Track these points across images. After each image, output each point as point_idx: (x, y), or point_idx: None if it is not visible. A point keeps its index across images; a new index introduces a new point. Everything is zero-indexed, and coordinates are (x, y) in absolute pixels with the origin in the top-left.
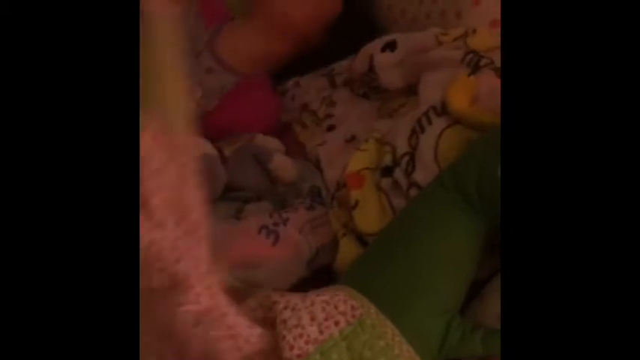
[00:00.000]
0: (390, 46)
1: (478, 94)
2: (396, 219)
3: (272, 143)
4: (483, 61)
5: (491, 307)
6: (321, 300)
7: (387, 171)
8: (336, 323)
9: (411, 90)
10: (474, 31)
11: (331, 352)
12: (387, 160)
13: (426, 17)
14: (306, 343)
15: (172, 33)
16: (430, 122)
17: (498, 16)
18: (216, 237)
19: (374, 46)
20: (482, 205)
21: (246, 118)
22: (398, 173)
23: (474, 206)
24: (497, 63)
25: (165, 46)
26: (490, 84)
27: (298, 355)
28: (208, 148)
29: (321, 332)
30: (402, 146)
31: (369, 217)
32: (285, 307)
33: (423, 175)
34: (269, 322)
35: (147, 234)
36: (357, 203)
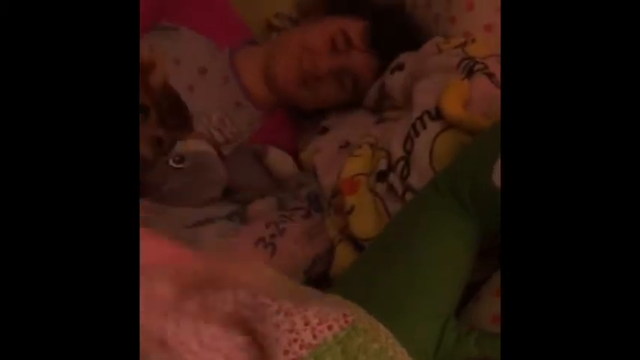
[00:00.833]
0: (399, 67)
1: (471, 99)
2: (391, 223)
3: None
4: (477, 67)
5: (486, 310)
6: (313, 306)
7: (382, 176)
8: (330, 328)
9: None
10: (474, 40)
11: (325, 357)
12: (382, 164)
13: (421, 22)
14: (301, 347)
15: None
16: (425, 127)
17: (492, 20)
18: (213, 252)
19: (384, 74)
20: (477, 209)
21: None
22: (393, 178)
23: (469, 210)
24: (491, 68)
25: None
26: (482, 88)
27: None
28: (206, 146)
29: (314, 337)
30: (397, 151)
31: (365, 222)
32: (278, 312)
33: (418, 179)
34: (238, 319)
35: None
36: (352, 208)
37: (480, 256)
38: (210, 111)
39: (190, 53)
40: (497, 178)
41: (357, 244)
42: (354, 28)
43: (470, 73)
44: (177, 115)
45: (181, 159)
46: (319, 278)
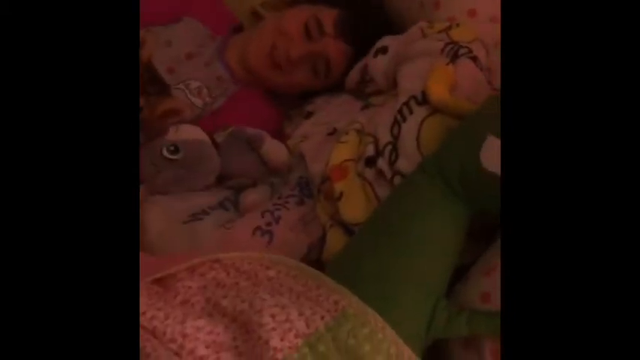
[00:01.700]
0: (382, 50)
1: (456, 83)
2: (380, 207)
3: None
4: (461, 51)
5: (475, 289)
6: (306, 298)
7: (371, 161)
8: (322, 317)
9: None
10: (458, 24)
11: (318, 345)
12: (370, 150)
13: (407, 10)
14: (296, 336)
15: None
16: (411, 111)
17: (476, 5)
18: (211, 243)
19: (367, 57)
20: (465, 191)
21: (247, 119)
22: (381, 163)
23: (457, 193)
24: (476, 52)
25: None
26: (467, 73)
27: (289, 348)
28: (200, 134)
29: (308, 326)
30: (385, 136)
31: (355, 207)
32: (275, 305)
33: (407, 163)
34: (234, 312)
35: None
36: (341, 194)
37: (468, 238)
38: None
39: (183, 39)
40: (485, 160)
41: (347, 229)
42: (328, 15)
43: (454, 57)
44: (155, 83)
45: (175, 149)
46: (313, 264)
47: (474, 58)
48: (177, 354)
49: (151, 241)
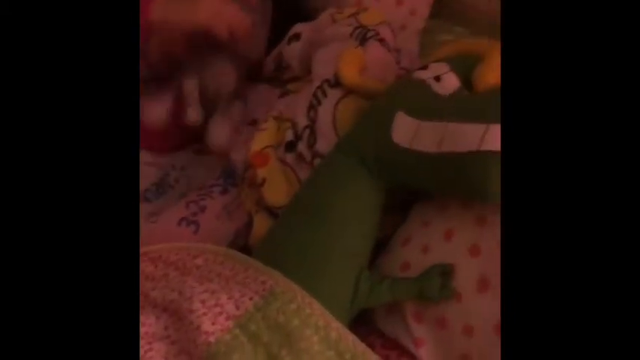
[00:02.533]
0: (296, 37)
1: (366, 65)
2: (301, 188)
3: None
4: (369, 34)
5: (396, 259)
6: (235, 282)
7: (291, 146)
8: (250, 298)
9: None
10: (365, 9)
11: (249, 324)
12: (289, 135)
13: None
14: (227, 319)
15: None
16: (325, 95)
17: None
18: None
19: (280, 44)
20: (380, 167)
21: None
22: (301, 146)
23: (372, 169)
24: (382, 35)
25: None
26: (376, 54)
27: (221, 330)
28: None
29: (237, 308)
30: (302, 120)
31: (277, 191)
32: (205, 291)
33: (325, 144)
34: (165, 302)
35: None
36: (264, 180)
37: (386, 211)
38: None
39: None
40: (396, 136)
41: (272, 213)
42: None
43: (363, 40)
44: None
45: None
46: (241, 250)
47: (382, 40)
48: None
49: None
